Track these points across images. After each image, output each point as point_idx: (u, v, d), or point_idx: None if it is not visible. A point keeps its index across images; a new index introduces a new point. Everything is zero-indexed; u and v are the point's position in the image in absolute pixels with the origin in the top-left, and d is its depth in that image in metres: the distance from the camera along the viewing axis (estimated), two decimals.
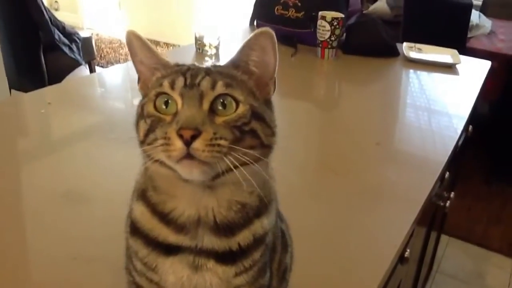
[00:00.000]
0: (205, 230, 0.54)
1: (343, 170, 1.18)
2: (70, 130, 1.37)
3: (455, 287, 2.48)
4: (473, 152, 2.94)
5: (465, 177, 2.63)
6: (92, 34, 4.20)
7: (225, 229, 0.54)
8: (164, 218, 0.54)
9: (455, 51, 1.99)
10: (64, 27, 3.27)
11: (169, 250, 0.54)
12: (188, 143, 0.47)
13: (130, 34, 0.54)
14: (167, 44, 5.33)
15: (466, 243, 2.76)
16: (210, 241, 0.54)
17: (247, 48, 0.54)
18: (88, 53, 3.67)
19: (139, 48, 0.55)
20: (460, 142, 1.51)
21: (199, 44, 1.87)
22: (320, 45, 1.85)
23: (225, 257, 0.54)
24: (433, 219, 1.67)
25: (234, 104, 0.51)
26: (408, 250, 1.03)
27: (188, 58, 2.09)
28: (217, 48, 1.88)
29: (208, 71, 0.53)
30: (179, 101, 0.51)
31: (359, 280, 0.84)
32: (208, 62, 2.03)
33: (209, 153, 0.48)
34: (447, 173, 1.40)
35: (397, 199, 1.09)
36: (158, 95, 0.52)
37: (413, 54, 1.96)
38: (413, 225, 1.00)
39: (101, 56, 4.90)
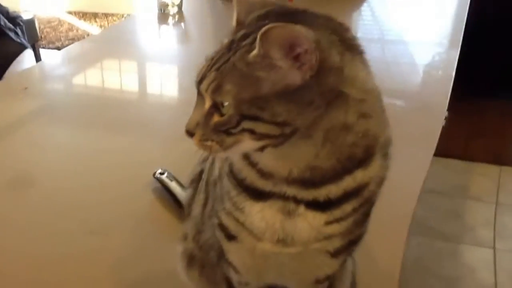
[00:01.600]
0: (282, 181, 0.55)
1: None
2: (11, 116, 1.39)
3: (440, 202, 2.60)
4: None
5: None
6: (34, 15, 4.04)
7: (301, 182, 0.55)
8: (252, 165, 0.56)
9: None
10: (8, 12, 3.14)
11: (258, 195, 0.55)
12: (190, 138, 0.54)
13: None
14: (105, 15, 5.18)
15: (447, 159, 2.87)
16: (293, 190, 0.55)
17: (269, 44, 0.49)
18: (32, 35, 3.52)
19: None
20: None
21: (161, 4, 1.84)
22: None
23: (315, 205, 0.55)
24: None
25: (229, 107, 0.51)
26: None
27: (150, 22, 2.06)
28: (179, 6, 1.85)
29: (225, 61, 0.52)
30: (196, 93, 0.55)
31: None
32: (171, 23, 2.02)
33: (203, 148, 0.54)
34: None
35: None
36: None
37: None
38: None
39: (41, 37, 4.72)
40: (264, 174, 0.55)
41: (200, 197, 0.69)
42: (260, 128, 0.50)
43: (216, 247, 0.66)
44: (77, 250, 0.91)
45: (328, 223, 0.55)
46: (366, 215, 0.59)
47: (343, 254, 0.60)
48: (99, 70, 1.76)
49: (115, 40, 1.98)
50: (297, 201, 0.55)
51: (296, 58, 0.49)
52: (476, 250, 2.29)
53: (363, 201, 0.56)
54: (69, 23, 4.99)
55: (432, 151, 1.12)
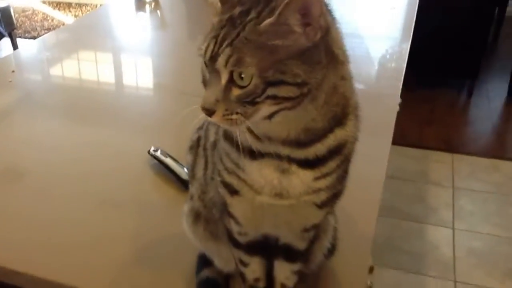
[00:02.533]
0: (279, 143, 0.61)
1: None
2: None
3: (404, 187, 2.76)
4: None
5: None
6: (8, 4, 4.04)
7: (296, 143, 0.61)
8: (248, 129, 0.59)
9: None
10: None
11: (255, 154, 0.62)
12: (209, 116, 0.56)
13: None
14: (79, 5, 5.19)
15: (403, 147, 3.04)
16: (285, 150, 0.61)
17: (290, 11, 0.53)
18: (9, 24, 3.56)
19: None
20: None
21: None
22: None
23: (305, 163, 0.62)
24: None
25: (249, 77, 0.54)
26: None
27: (127, 9, 2.12)
28: None
29: (238, 34, 0.54)
30: (206, 72, 0.57)
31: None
32: (148, 11, 2.08)
33: (225, 123, 0.56)
34: None
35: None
36: (201, 54, 0.58)
37: None
38: None
39: (16, 26, 4.71)
40: (259, 138, 0.61)
41: (201, 161, 0.76)
42: (283, 91, 0.54)
43: (219, 205, 0.73)
44: (89, 220, 0.98)
45: (316, 178, 0.62)
46: (345, 172, 0.67)
47: (328, 206, 0.69)
48: (76, 60, 1.78)
49: (93, 27, 2.00)
50: (290, 160, 0.62)
51: (309, 21, 0.54)
52: (438, 230, 2.46)
53: (343, 158, 0.64)
54: (43, 13, 4.97)
55: (390, 138, 1.20)
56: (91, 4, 5.24)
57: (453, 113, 3.51)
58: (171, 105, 1.42)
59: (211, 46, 0.55)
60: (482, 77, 3.81)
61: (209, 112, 0.55)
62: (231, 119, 0.55)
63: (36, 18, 4.88)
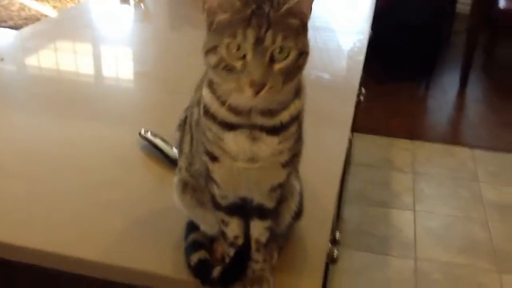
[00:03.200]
0: (256, 114, 0.74)
1: None
2: None
3: (371, 174, 2.96)
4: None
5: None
6: None
7: (269, 113, 0.74)
8: (225, 104, 0.73)
9: None
10: None
11: (231, 127, 0.74)
12: (256, 92, 0.67)
13: None
14: None
15: (372, 136, 3.26)
16: (260, 120, 0.74)
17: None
18: None
19: None
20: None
21: None
22: None
23: (272, 131, 0.75)
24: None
25: (287, 51, 0.68)
26: None
27: (111, 2, 2.21)
28: None
29: (269, 21, 0.66)
30: (249, 54, 0.67)
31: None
32: (132, 3, 2.16)
33: (269, 95, 0.68)
34: None
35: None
36: (231, 43, 0.67)
37: None
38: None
39: None
40: (235, 112, 0.73)
41: (187, 137, 0.88)
42: (302, 61, 0.70)
43: (204, 175, 0.84)
44: (84, 204, 1.04)
45: (280, 142, 0.75)
46: (300, 135, 0.80)
47: (289, 165, 0.80)
48: (61, 51, 1.84)
49: (78, 20, 2.06)
50: (261, 129, 0.74)
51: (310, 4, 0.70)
52: (401, 213, 2.66)
53: (299, 123, 0.78)
54: (20, 3, 4.97)
55: (350, 124, 1.32)
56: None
57: (414, 104, 3.77)
58: (155, 92, 1.53)
59: (252, 33, 0.66)
60: (438, 71, 4.10)
61: (261, 86, 0.66)
62: (275, 89, 0.68)
63: (12, 8, 4.89)
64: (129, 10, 2.18)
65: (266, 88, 0.67)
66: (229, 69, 0.68)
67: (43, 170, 1.15)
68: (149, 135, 1.22)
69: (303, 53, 0.70)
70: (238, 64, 0.67)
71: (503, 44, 4.44)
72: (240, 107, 0.73)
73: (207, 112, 0.76)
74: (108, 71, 1.74)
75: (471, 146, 3.21)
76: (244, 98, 0.70)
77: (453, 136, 3.40)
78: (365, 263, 2.36)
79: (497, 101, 3.87)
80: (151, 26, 2.08)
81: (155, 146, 1.20)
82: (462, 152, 3.17)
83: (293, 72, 0.70)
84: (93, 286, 0.94)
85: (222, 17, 0.68)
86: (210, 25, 0.71)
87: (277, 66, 0.68)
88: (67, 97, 1.47)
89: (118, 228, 0.97)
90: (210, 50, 0.70)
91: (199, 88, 0.81)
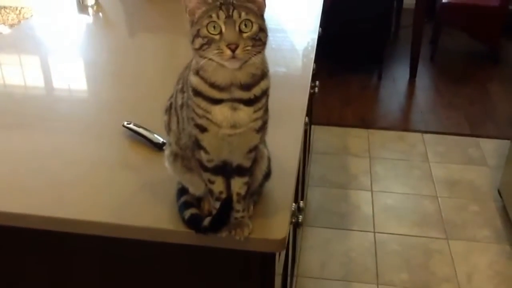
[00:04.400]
0: (235, 88, 0.91)
1: None
2: None
3: (331, 160, 3.22)
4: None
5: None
6: None
7: (246, 87, 0.91)
8: (211, 85, 0.91)
9: None
10: None
11: (216, 101, 0.92)
12: (233, 51, 0.85)
13: None
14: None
15: (329, 127, 3.53)
16: (238, 94, 0.91)
17: None
18: None
19: None
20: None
21: None
22: None
23: (248, 102, 0.92)
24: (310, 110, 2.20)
25: (250, 24, 0.86)
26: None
27: (69, 10, 2.27)
28: None
29: (233, 5, 0.86)
30: (223, 27, 0.86)
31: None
32: (90, 13, 2.24)
33: (244, 54, 0.86)
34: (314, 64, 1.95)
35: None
36: (209, 23, 0.86)
37: None
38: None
39: None
40: (219, 89, 0.91)
41: (174, 119, 1.06)
42: (263, 37, 0.88)
43: (191, 147, 1.00)
44: (77, 193, 1.15)
45: (255, 111, 0.93)
46: (267, 107, 0.97)
47: (261, 131, 0.98)
48: (13, 64, 1.85)
49: (36, 31, 2.09)
50: (240, 101, 0.91)
51: None
52: (359, 193, 2.91)
53: (267, 97, 0.96)
54: None
55: (304, 113, 1.49)
56: (11, 7, 5.32)
57: (366, 94, 4.06)
58: (121, 90, 1.64)
59: (222, 13, 0.85)
60: (388, 62, 4.42)
61: (235, 45, 0.84)
62: (248, 50, 0.86)
63: None
64: (88, 19, 2.24)
65: (240, 47, 0.85)
66: (211, 42, 0.86)
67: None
68: (132, 125, 1.35)
69: (262, 30, 0.88)
70: (217, 36, 0.86)
71: (446, 35, 4.77)
72: (222, 84, 0.93)
73: (197, 92, 0.95)
74: (62, 81, 1.77)
75: (421, 131, 3.50)
76: (225, 63, 0.88)
77: (405, 122, 3.68)
78: (328, 237, 2.60)
79: (443, 87, 4.19)
80: (110, 33, 2.13)
81: (138, 134, 1.32)
82: (413, 137, 3.46)
83: (257, 43, 0.88)
84: (107, 242, 1.11)
85: (199, 11, 0.89)
86: (192, 21, 0.92)
87: (245, 35, 0.87)
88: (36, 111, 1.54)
89: (121, 195, 1.15)
90: (195, 35, 0.88)
91: (178, 81, 1.02)
